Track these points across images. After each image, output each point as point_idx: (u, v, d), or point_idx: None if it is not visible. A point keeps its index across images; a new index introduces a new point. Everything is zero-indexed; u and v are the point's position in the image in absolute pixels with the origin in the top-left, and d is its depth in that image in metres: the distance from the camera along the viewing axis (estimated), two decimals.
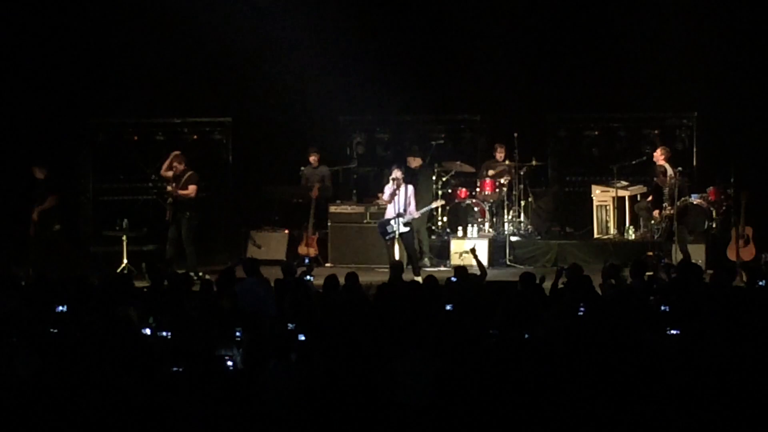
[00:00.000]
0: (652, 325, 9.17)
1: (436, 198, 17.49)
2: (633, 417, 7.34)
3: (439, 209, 17.98)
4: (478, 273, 13.21)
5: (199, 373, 7.78)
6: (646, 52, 18.54)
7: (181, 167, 16.19)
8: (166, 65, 19.16)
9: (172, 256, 15.84)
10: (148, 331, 9.20)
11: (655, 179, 16.36)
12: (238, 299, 10.83)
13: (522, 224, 18.31)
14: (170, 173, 16.17)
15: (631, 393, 7.51)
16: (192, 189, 16.06)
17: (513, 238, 17.72)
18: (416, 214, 15.92)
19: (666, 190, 15.86)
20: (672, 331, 8.73)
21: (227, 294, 10.97)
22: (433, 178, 18.17)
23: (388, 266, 14.82)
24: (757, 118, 18.08)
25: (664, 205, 15.92)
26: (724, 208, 17.13)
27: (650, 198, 17.02)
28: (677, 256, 15.43)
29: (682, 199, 15.98)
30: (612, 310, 9.81)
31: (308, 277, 12.57)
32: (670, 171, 15.87)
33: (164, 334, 9.07)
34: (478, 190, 18.24)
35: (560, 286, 11.58)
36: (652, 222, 16.66)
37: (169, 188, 16.12)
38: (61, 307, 10.15)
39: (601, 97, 19.09)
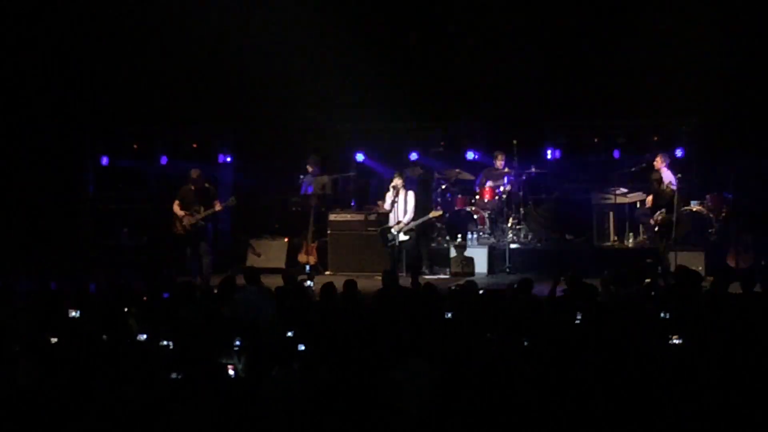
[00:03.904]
0: (652, 333, 9.17)
1: (435, 206, 17.51)
2: (633, 424, 7.35)
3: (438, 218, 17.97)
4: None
5: (200, 381, 7.79)
6: (645, 58, 18.55)
7: (201, 183, 16.12)
8: (167, 73, 19.18)
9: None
10: (144, 337, 9.21)
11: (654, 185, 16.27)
12: (238, 307, 10.85)
13: (521, 232, 18.30)
14: (183, 212, 16.02)
15: (631, 401, 7.52)
16: (218, 203, 15.99)
17: (512, 246, 17.72)
18: (411, 224, 15.90)
19: (660, 200, 15.78)
20: (675, 340, 8.72)
21: (227, 302, 10.99)
22: (432, 186, 18.19)
23: None
24: (756, 124, 18.08)
25: (660, 212, 15.83)
26: (723, 214, 17.13)
27: (649, 203, 17.02)
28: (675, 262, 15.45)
29: (683, 208, 15.95)
30: (612, 317, 9.81)
31: (308, 283, 12.60)
32: (665, 179, 15.80)
33: (164, 342, 9.08)
34: (477, 197, 18.25)
35: (559, 293, 11.58)
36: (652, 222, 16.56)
37: (196, 217, 15.93)
38: (74, 313, 10.17)
39: (600, 104, 19.11)
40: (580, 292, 10.93)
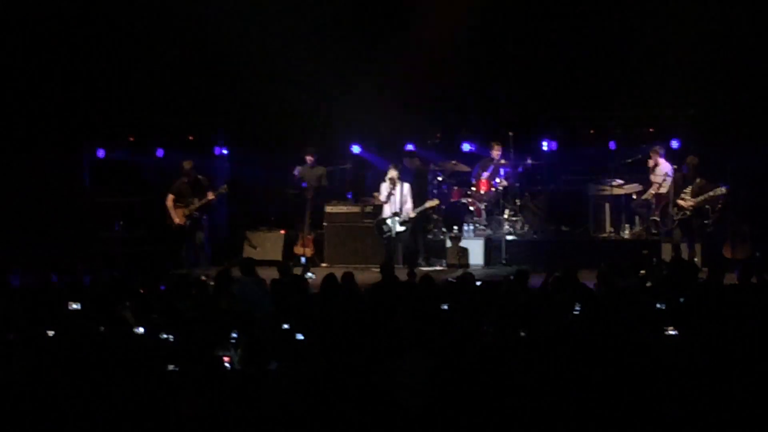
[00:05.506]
0: (649, 325, 9.18)
1: (431, 198, 17.51)
2: (629, 416, 7.36)
3: (434, 208, 17.98)
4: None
5: (197, 373, 7.78)
6: (640, 49, 18.56)
7: (193, 175, 16.16)
8: (163, 65, 19.15)
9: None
10: (141, 330, 9.21)
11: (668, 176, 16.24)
12: (234, 299, 10.84)
13: (518, 223, 18.31)
14: (175, 210, 16.05)
15: (628, 392, 7.53)
16: (210, 193, 16.05)
17: (509, 238, 17.73)
18: (412, 213, 15.95)
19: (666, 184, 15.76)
20: (670, 331, 8.73)
21: (224, 294, 10.98)
22: (429, 177, 18.19)
23: None
24: (751, 114, 18.08)
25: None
26: (719, 205, 17.12)
27: (650, 196, 16.97)
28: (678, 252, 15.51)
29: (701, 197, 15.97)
30: (608, 309, 9.82)
31: (309, 274, 12.59)
32: (661, 168, 15.79)
33: (162, 335, 9.07)
34: (473, 189, 18.25)
35: (555, 285, 11.58)
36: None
37: (191, 208, 15.98)
38: (75, 305, 10.16)
39: (595, 96, 19.11)
40: (577, 284, 10.94)
